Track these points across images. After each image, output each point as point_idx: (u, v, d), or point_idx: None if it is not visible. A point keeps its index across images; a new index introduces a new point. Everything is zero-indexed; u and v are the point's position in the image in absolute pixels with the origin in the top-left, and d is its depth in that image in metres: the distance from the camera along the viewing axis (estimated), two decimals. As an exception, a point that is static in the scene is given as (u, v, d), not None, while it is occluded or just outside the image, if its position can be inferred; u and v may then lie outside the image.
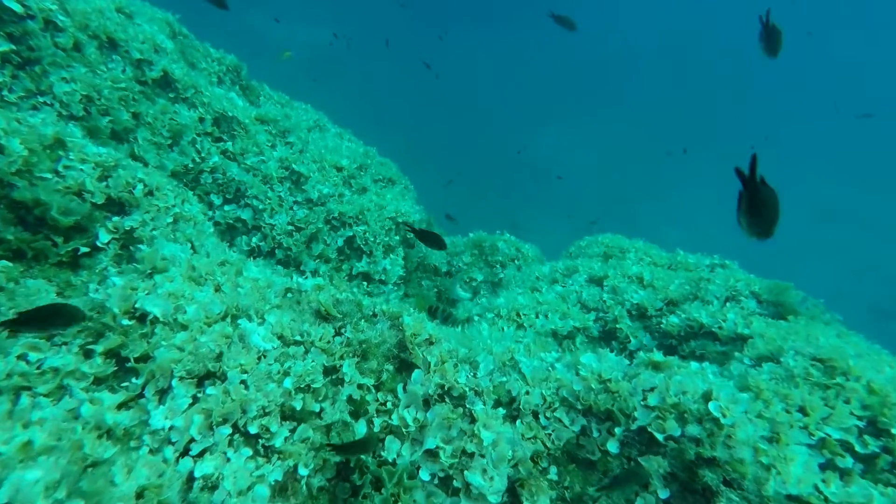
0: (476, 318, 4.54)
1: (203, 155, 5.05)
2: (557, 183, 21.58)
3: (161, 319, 2.30)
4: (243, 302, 2.59)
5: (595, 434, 2.33)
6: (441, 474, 2.19)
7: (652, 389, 2.34)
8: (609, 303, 4.67)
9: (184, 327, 2.32)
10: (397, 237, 5.97)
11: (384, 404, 2.39)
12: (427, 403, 2.42)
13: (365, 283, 5.50)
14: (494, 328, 4.03)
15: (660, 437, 2.18)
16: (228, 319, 2.47)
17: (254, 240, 5.15)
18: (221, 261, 2.90)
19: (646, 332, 4.27)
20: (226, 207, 5.19)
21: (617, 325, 4.39)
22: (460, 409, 2.38)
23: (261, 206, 5.22)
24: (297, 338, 2.49)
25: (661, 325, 4.11)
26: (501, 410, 2.44)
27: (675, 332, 3.99)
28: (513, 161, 23.77)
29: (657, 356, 2.50)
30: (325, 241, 5.42)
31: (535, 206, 22.59)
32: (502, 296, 5.07)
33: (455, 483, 2.17)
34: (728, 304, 4.17)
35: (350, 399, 2.35)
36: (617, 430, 2.27)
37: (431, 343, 2.80)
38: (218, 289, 2.65)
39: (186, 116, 4.99)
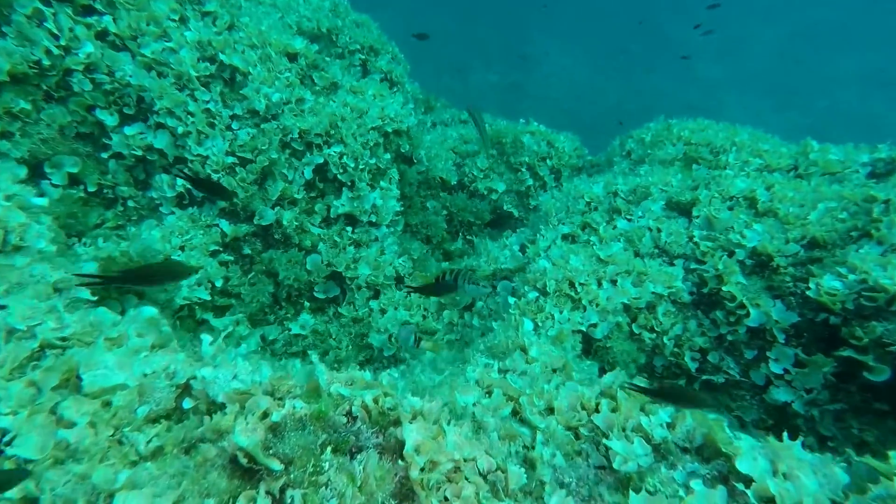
0: (508, 298, 3.08)
1: (65, 41, 3.19)
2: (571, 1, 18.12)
3: None
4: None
5: None
6: None
7: None
8: (705, 247, 3.16)
9: None
10: (388, 154, 4.27)
11: None
12: None
13: (349, 229, 3.98)
14: (545, 341, 2.61)
15: None
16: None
17: (179, 181, 3.53)
18: None
19: (775, 300, 2.83)
20: (127, 130, 3.48)
21: (722, 287, 2.94)
22: None
23: (181, 128, 3.50)
24: None
25: (808, 292, 2.65)
26: None
27: (837, 306, 2.54)
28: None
29: None
30: (284, 177, 3.78)
31: (549, 32, 19.28)
32: (542, 248, 3.55)
33: None
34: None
35: None
36: None
37: (457, 482, 1.44)
38: None
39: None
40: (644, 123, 5.10)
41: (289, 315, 3.74)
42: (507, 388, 2.05)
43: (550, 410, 2.02)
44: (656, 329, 3.06)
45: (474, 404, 1.89)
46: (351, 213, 4.00)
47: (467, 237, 5.41)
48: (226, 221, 3.58)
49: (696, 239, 3.24)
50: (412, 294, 3.94)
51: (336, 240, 3.94)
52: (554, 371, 2.34)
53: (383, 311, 3.79)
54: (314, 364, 1.74)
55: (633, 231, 3.46)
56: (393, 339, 3.60)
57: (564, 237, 3.68)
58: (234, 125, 3.67)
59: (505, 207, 5.58)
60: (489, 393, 2.04)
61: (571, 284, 3.03)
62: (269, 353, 3.55)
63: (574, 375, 2.32)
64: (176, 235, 3.29)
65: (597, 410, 1.97)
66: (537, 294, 3.01)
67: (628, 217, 3.62)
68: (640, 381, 2.10)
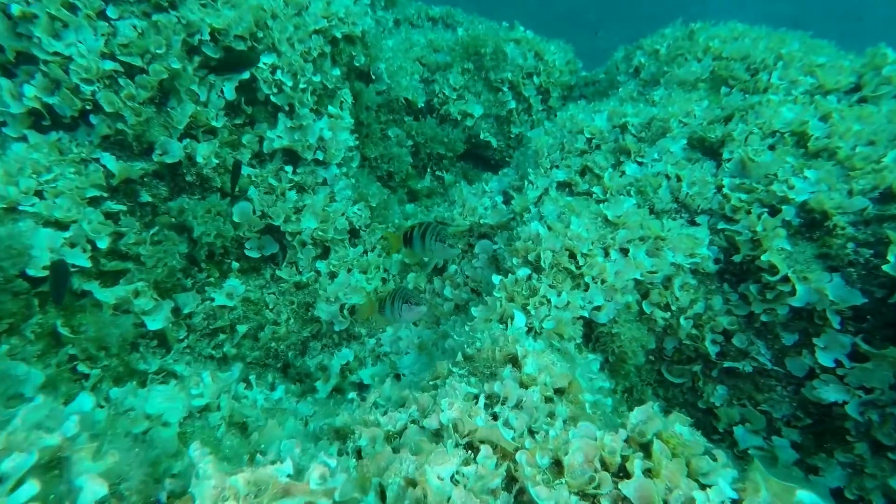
0: (493, 276, 2.36)
1: None
2: None
3: None
4: None
5: None
6: None
7: None
8: (737, 201, 2.49)
9: None
10: (337, 70, 3.30)
11: None
12: None
13: (289, 169, 3.11)
14: (542, 343, 1.95)
15: None
16: None
17: (29, 90, 2.51)
18: None
19: (831, 272, 2.23)
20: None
21: (759, 255, 2.32)
22: None
23: (17, 5, 2.43)
24: None
25: (882, 264, 2.06)
26: None
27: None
28: None
29: None
30: (194, 96, 2.81)
31: None
32: (531, 199, 2.80)
33: None
34: None
35: None
36: None
37: None
38: None
39: None
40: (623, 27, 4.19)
41: (211, 279, 2.96)
42: (497, 439, 1.41)
43: (557, 465, 1.42)
44: (672, 307, 2.46)
45: (454, 481, 1.25)
46: (291, 148, 3.11)
47: (437, 173, 4.59)
48: (111, 156, 2.64)
49: (726, 190, 2.56)
50: (370, 252, 3.19)
51: (272, 183, 3.07)
52: (558, 393, 1.72)
53: (333, 275, 3.05)
54: (192, 458, 1.03)
55: (647, 179, 2.75)
56: (345, 311, 2.90)
57: (560, 185, 2.94)
58: (112, 12, 2.60)
59: (482, 136, 4.73)
60: (471, 448, 1.41)
61: (572, 256, 2.34)
62: (186, 330, 2.81)
63: (585, 397, 1.71)
64: (28, 174, 2.36)
65: (624, 471, 1.38)
66: (529, 270, 2.31)
67: (639, 160, 2.89)
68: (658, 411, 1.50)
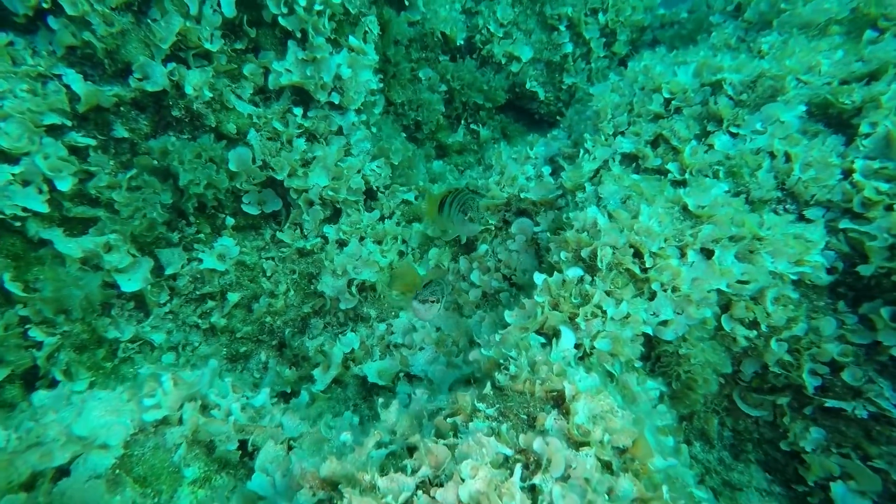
0: (534, 275, 1.81)
1: None
2: None
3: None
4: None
5: None
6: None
7: None
8: (872, 192, 1.87)
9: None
10: (361, -12, 2.70)
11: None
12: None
13: (298, 112, 2.58)
14: (596, 370, 1.45)
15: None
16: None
17: None
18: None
19: None
20: None
21: None
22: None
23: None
24: None
25: None
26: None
27: None
28: None
29: None
30: (184, 9, 2.27)
31: None
32: (586, 172, 2.23)
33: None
34: None
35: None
36: None
37: None
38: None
39: None
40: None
41: (202, 235, 2.53)
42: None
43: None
44: (760, 325, 1.91)
45: None
46: (302, 86, 2.57)
47: (471, 126, 3.98)
48: (77, 74, 2.15)
49: (857, 176, 1.93)
50: (388, 218, 2.70)
51: (277, 127, 2.57)
52: (619, 452, 1.23)
53: (342, 243, 2.59)
54: None
55: (743, 157, 2.13)
56: (353, 288, 2.45)
57: (625, 158, 2.34)
58: None
59: (528, 85, 4.05)
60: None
61: (638, 255, 1.79)
62: (168, 294, 2.41)
63: (655, 464, 1.22)
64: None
65: None
66: (581, 271, 1.78)
67: (734, 130, 2.25)
68: None
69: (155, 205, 2.29)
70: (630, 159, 2.35)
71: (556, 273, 1.78)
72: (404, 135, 3.44)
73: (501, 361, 1.43)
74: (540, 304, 1.68)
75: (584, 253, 1.84)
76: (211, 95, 2.40)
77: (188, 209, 2.45)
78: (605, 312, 1.69)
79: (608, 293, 1.73)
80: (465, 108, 3.91)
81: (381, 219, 2.74)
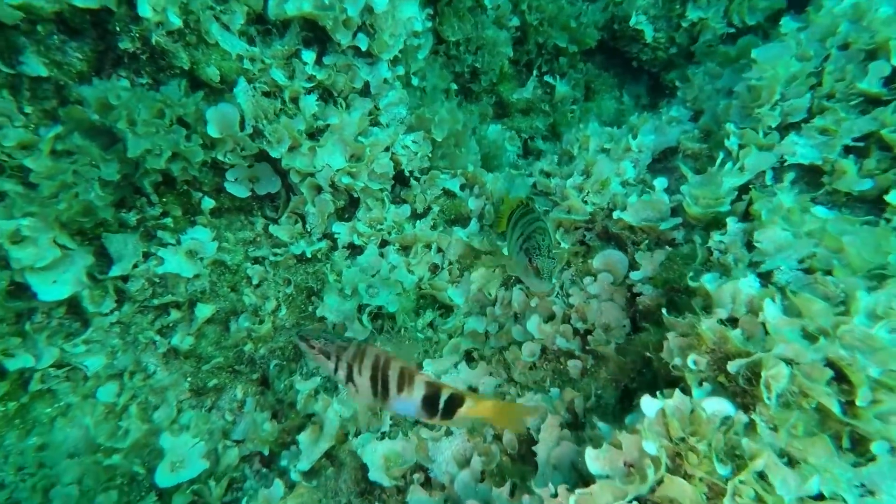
0: (643, 406, 1.09)
1: None
2: None
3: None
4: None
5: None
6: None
7: None
8: None
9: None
10: None
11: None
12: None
13: (309, 56, 1.78)
14: None
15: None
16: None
17: None
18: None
19: None
20: None
21: None
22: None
23: None
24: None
25: None
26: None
27: None
28: None
29: None
30: None
31: None
32: (726, 199, 1.45)
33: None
34: None
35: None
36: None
37: None
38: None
39: None
40: None
41: (168, 219, 1.83)
42: None
43: None
44: None
45: None
46: (314, 19, 1.76)
47: (545, 77, 3.06)
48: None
49: None
50: (423, 217, 1.97)
51: (277, 78, 1.79)
52: None
53: (356, 249, 1.88)
54: None
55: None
56: (366, 316, 1.76)
57: (801, 173, 1.54)
58: None
59: (633, 21, 3.01)
60: None
61: (844, 380, 1.06)
62: (115, 300, 1.76)
63: None
64: None
65: None
66: (729, 402, 1.06)
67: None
68: None
69: (92, 182, 1.58)
70: (810, 174, 1.54)
71: (677, 394, 1.08)
72: (455, 86, 2.60)
73: None
74: (650, 461, 0.99)
75: (733, 367, 1.11)
76: (181, 22, 1.61)
77: (145, 187, 1.74)
78: (772, 489, 0.99)
79: (784, 453, 1.02)
80: (541, 51, 2.98)
81: (413, 216, 2.01)
